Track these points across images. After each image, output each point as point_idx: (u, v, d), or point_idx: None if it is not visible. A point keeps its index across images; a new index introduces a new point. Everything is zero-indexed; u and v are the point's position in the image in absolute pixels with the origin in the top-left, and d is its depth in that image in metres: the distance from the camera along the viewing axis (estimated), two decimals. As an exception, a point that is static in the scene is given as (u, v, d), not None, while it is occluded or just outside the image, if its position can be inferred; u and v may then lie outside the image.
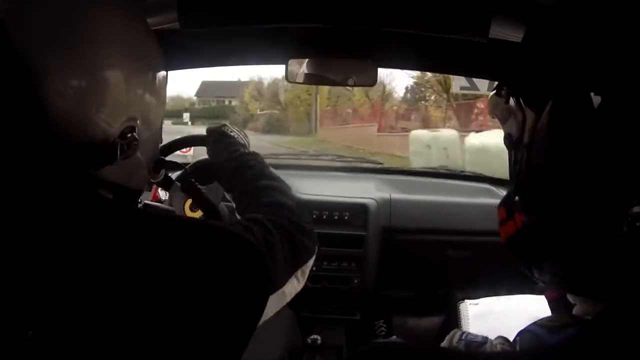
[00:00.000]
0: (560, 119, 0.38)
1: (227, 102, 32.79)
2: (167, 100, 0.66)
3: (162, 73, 0.62)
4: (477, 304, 1.22)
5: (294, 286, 0.68)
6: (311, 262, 0.72)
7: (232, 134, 0.96)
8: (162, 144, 1.09)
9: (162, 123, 0.66)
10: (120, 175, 0.56)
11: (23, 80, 0.47)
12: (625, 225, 0.35)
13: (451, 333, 0.79)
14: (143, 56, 0.57)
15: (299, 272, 0.68)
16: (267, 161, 1.24)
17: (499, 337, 0.70)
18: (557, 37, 0.40)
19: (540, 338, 0.41)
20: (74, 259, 0.48)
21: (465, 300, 1.23)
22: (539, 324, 0.42)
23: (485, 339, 0.75)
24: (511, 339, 0.49)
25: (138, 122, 0.55)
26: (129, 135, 0.53)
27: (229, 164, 0.87)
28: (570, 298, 0.46)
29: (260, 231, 0.62)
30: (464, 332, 0.77)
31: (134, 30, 0.56)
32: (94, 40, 0.51)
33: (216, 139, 0.95)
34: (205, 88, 34.10)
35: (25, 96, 0.47)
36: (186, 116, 30.02)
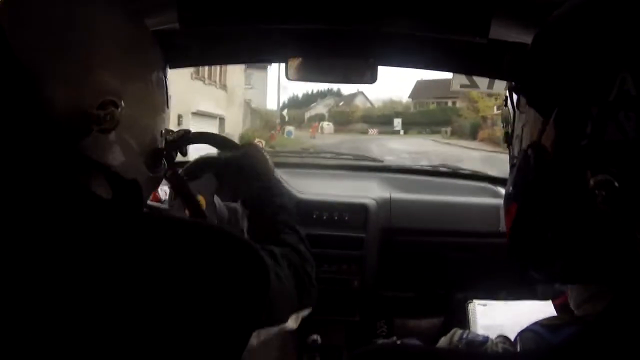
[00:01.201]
0: (564, 124, 0.39)
1: (449, 104, 27.46)
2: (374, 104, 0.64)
3: (156, 70, 0.63)
4: (485, 305, 1.22)
5: (291, 325, 0.69)
6: (307, 312, 0.74)
7: (265, 155, 0.98)
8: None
9: (161, 119, 0.66)
10: (107, 154, 0.56)
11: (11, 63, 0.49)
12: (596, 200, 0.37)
13: (451, 332, 0.79)
14: (133, 47, 0.59)
15: (294, 316, 0.70)
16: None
17: (500, 336, 0.70)
18: (564, 45, 0.41)
19: (541, 337, 0.41)
20: (73, 260, 0.47)
21: (474, 301, 1.23)
22: (540, 323, 0.43)
23: (486, 338, 0.75)
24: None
25: (122, 102, 0.55)
26: (106, 108, 0.54)
27: (255, 183, 0.89)
28: (570, 300, 0.46)
29: (271, 262, 0.64)
30: (464, 331, 0.77)
31: (126, 21, 0.59)
32: (81, 25, 0.54)
33: (248, 153, 0.96)
34: (421, 88, 29.60)
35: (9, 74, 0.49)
36: (397, 122, 26.50)
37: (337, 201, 1.57)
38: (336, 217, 1.54)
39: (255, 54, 1.39)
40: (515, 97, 0.48)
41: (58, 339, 0.46)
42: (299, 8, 0.97)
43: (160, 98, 0.65)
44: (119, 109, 0.55)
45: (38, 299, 0.46)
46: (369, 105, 35.72)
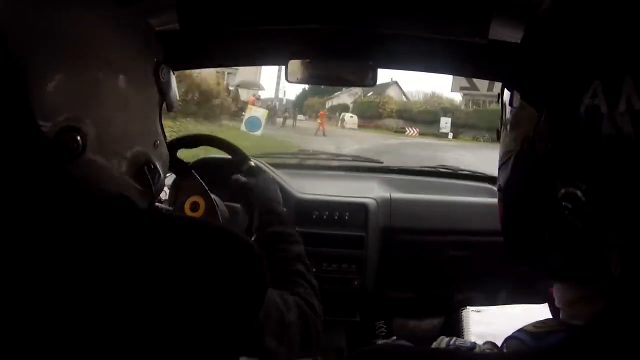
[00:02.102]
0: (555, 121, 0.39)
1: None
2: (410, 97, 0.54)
3: (128, 76, 0.58)
4: (479, 311, 1.22)
5: None
6: None
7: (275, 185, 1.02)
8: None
9: (145, 128, 0.61)
10: (88, 177, 0.54)
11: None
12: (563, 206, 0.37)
13: (438, 340, 0.79)
14: (98, 57, 0.54)
15: None
16: (264, 160, 1.25)
17: (487, 342, 0.70)
18: (551, 41, 0.40)
19: (525, 344, 0.41)
20: (73, 260, 0.48)
21: (468, 307, 1.23)
22: (525, 329, 0.43)
23: (473, 345, 0.75)
24: None
25: (85, 121, 0.53)
26: (64, 136, 0.51)
27: (272, 221, 0.90)
28: (556, 299, 0.46)
29: (281, 302, 0.64)
30: (451, 338, 0.78)
31: (88, 28, 0.54)
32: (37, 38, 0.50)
33: (260, 185, 0.99)
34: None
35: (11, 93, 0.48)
36: (445, 123, 19.82)
37: (337, 200, 1.57)
38: (336, 217, 1.54)
39: (255, 56, 1.39)
40: (507, 93, 0.47)
41: (57, 338, 0.46)
42: (297, 9, 0.98)
43: (144, 104, 0.61)
44: (80, 131, 0.52)
45: (34, 296, 0.46)
46: (403, 98, 28.65)
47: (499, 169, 0.49)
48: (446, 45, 1.10)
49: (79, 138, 0.52)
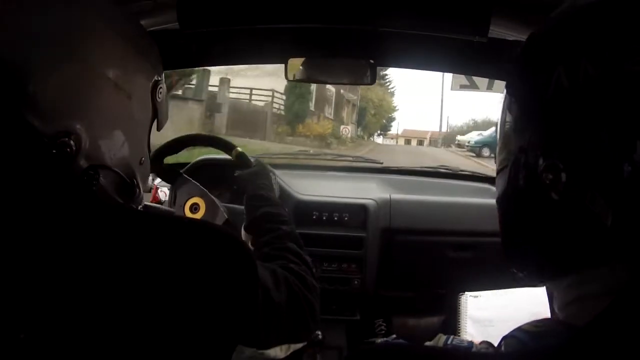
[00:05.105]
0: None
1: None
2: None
3: (129, 91, 0.58)
4: (477, 296, 1.22)
5: (275, 354, 0.64)
6: (299, 346, 0.68)
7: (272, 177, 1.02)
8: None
9: (133, 138, 0.61)
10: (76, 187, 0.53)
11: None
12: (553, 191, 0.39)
13: (436, 338, 0.80)
14: (98, 60, 0.54)
15: (286, 347, 0.65)
16: (265, 160, 1.25)
17: (484, 342, 0.71)
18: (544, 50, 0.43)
19: (523, 344, 0.41)
20: (67, 260, 0.48)
21: (466, 293, 1.24)
22: (524, 329, 0.43)
23: (470, 344, 0.76)
24: (507, 332, 0.50)
25: (78, 127, 0.52)
26: (59, 140, 0.51)
27: (263, 206, 0.89)
28: (555, 303, 0.46)
29: (270, 279, 0.62)
30: (448, 337, 0.78)
31: (89, 31, 0.54)
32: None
33: (259, 172, 0.98)
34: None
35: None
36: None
37: (337, 201, 1.57)
38: (336, 218, 1.54)
39: (255, 55, 1.39)
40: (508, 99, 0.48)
41: (50, 337, 0.46)
42: (297, 8, 0.98)
43: (139, 120, 0.61)
44: (73, 137, 0.51)
45: (29, 296, 0.46)
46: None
47: (497, 176, 0.49)
48: (446, 43, 1.10)
49: (72, 143, 0.51)
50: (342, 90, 20.35)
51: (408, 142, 23.13)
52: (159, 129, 0.67)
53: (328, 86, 18.08)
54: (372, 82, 1.26)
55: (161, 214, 0.91)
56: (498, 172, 0.49)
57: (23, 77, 0.49)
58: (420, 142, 23.45)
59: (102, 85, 0.55)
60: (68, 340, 0.46)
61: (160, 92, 0.64)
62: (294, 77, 1.29)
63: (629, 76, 0.36)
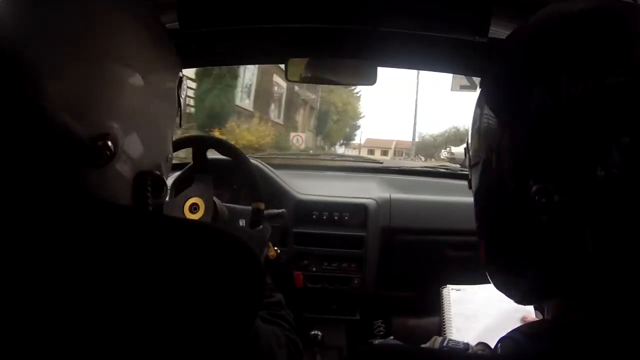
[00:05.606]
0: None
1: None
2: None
3: (161, 90, 0.57)
4: (459, 289, 1.22)
5: None
6: None
7: None
8: None
9: (162, 136, 0.60)
10: (103, 189, 0.53)
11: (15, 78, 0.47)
12: (540, 211, 0.38)
13: (432, 339, 0.79)
14: (132, 59, 0.53)
15: None
16: (264, 160, 1.24)
17: (480, 343, 0.70)
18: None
19: (520, 345, 0.41)
20: (70, 261, 0.47)
21: (448, 286, 1.23)
22: (520, 330, 0.43)
23: (467, 346, 0.76)
24: (492, 325, 0.50)
25: (116, 128, 0.51)
26: (99, 142, 0.50)
27: None
28: (547, 315, 0.46)
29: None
30: (445, 338, 0.78)
31: (127, 31, 0.54)
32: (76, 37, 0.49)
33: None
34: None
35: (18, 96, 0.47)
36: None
37: (337, 201, 1.57)
38: (336, 217, 1.54)
39: (255, 55, 1.39)
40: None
41: (52, 338, 0.46)
42: (298, 8, 0.98)
43: (169, 118, 0.60)
44: (112, 138, 0.50)
45: (31, 296, 0.46)
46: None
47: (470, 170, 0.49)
48: (446, 43, 1.10)
49: (110, 144, 0.50)
50: (297, 88, 14.80)
51: (371, 152, 21.15)
52: (180, 125, 0.66)
53: (277, 79, 13.56)
54: (373, 82, 1.26)
55: (162, 215, 0.90)
56: (476, 191, 0.47)
57: (52, 76, 0.48)
58: (385, 153, 21.54)
59: (135, 83, 0.54)
60: (68, 340, 0.46)
61: (184, 88, 0.63)
62: (294, 77, 1.29)
63: (612, 91, 0.35)
